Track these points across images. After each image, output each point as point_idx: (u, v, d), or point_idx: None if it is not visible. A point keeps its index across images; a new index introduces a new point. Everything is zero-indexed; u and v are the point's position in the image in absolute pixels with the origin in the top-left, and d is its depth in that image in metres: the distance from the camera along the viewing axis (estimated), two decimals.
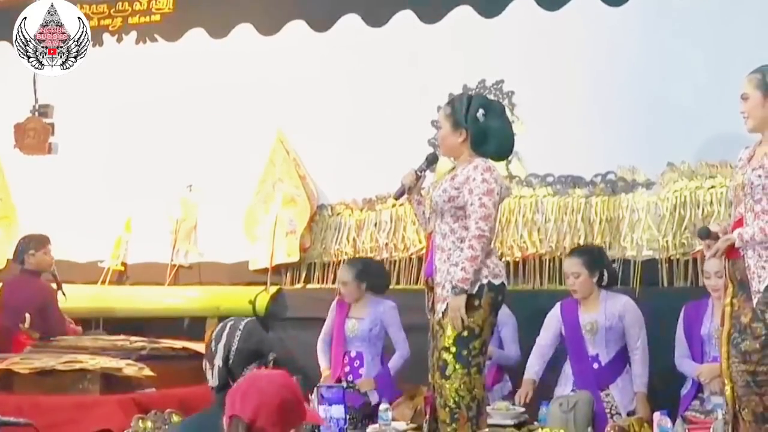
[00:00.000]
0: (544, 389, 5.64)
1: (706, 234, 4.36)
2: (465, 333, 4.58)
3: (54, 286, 6.75)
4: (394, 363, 6.01)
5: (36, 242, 6.77)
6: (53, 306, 6.64)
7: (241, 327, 3.56)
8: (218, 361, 3.49)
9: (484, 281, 4.62)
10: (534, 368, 5.65)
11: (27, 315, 6.42)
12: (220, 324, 3.61)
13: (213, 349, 3.52)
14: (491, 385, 5.83)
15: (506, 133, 4.86)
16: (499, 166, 6.73)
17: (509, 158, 5.98)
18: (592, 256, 5.65)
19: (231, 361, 3.49)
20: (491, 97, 6.86)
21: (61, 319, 6.69)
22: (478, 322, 4.59)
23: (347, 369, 6.06)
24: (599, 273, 5.59)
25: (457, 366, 4.58)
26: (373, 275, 6.20)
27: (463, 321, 4.55)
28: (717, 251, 4.30)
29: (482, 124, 4.77)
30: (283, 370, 3.32)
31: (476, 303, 4.60)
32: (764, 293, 4.15)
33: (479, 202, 4.61)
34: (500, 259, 4.73)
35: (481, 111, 4.78)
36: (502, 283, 4.69)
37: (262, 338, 3.63)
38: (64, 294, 6.78)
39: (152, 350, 5.91)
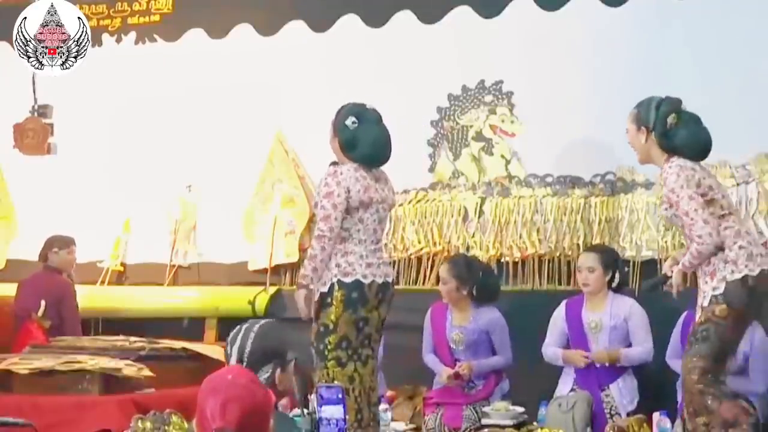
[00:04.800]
0: (544, 389, 5.64)
1: (657, 285, 4.69)
2: (321, 329, 4.87)
3: None
4: None
5: (61, 242, 7.07)
6: (70, 300, 6.90)
7: (255, 329, 3.58)
8: (233, 363, 3.50)
9: (334, 279, 4.85)
10: (556, 350, 5.67)
11: (42, 302, 6.65)
12: (237, 327, 3.63)
13: (228, 351, 3.54)
14: (492, 390, 5.81)
15: (378, 140, 5.06)
16: (498, 167, 6.83)
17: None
18: (609, 256, 5.72)
19: (245, 363, 3.50)
20: (490, 97, 6.89)
21: (76, 315, 6.84)
22: (331, 318, 4.84)
23: None
24: (612, 273, 5.63)
25: (318, 359, 4.86)
26: None
27: (318, 316, 4.86)
28: (678, 286, 4.55)
29: (352, 131, 5.01)
30: (238, 367, 3.32)
31: (328, 300, 4.85)
32: (706, 308, 4.38)
33: (320, 204, 4.93)
34: (378, 259, 5.02)
35: (351, 119, 5.04)
36: (357, 281, 4.86)
37: (279, 339, 3.64)
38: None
39: (151, 351, 5.91)
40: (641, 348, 5.50)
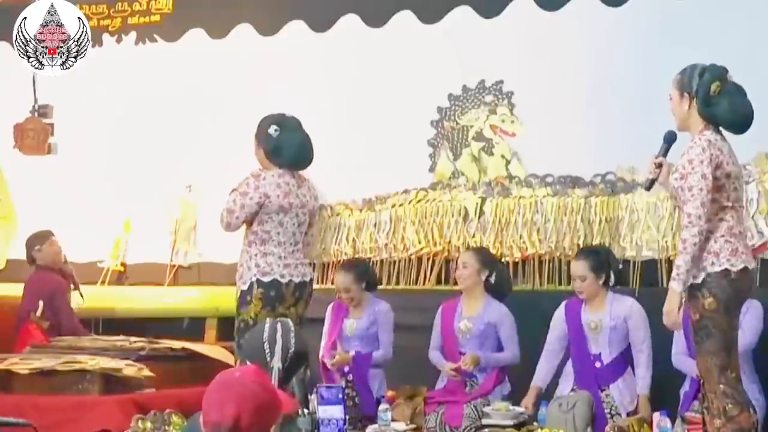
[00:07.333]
0: (545, 389, 5.64)
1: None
2: (242, 324, 5.23)
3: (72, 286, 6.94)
4: (376, 355, 5.98)
5: (39, 238, 6.96)
6: (61, 297, 6.81)
7: (293, 329, 3.59)
8: (277, 363, 3.52)
9: (253, 279, 5.24)
10: (541, 374, 5.64)
11: (40, 302, 6.63)
12: (267, 325, 3.62)
13: (268, 350, 3.54)
14: (492, 387, 5.82)
15: (301, 144, 5.39)
16: (498, 167, 6.84)
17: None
18: (599, 259, 5.62)
19: (288, 363, 3.53)
20: (490, 97, 6.90)
21: (69, 312, 6.80)
22: (250, 315, 5.20)
23: (347, 368, 6.05)
24: (605, 275, 5.58)
25: (239, 352, 5.09)
26: (369, 273, 6.22)
27: (239, 312, 5.25)
28: (679, 306, 4.34)
29: (275, 138, 5.34)
30: (254, 367, 3.30)
31: (248, 298, 5.24)
32: (693, 302, 4.30)
33: (231, 197, 5.28)
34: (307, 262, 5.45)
35: (273, 127, 5.35)
36: (275, 280, 5.23)
37: (305, 340, 3.68)
38: (81, 295, 6.96)
39: (152, 350, 5.92)
40: (644, 356, 5.43)
